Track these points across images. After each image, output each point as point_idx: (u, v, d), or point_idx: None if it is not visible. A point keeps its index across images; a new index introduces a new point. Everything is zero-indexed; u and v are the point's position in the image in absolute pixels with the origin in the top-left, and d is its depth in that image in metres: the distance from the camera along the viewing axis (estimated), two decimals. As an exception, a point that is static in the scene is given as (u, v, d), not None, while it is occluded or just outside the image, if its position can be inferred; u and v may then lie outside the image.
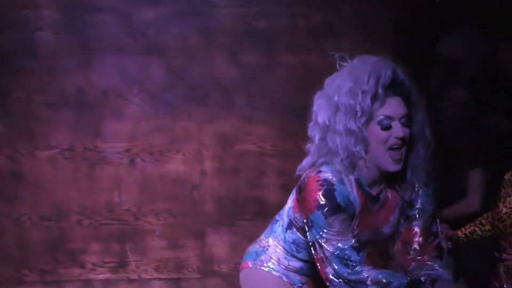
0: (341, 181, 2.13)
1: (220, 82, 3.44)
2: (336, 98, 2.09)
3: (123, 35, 3.40)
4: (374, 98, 2.07)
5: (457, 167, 3.47)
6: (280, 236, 2.38)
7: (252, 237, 2.97)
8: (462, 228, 3.00)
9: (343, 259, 2.19)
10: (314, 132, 2.18)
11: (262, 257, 2.43)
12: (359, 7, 3.42)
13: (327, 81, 2.19)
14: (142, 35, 3.40)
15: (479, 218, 2.98)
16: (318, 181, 2.13)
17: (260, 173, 3.51)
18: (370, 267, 2.19)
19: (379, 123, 2.10)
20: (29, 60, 3.35)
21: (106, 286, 3.51)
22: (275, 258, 2.42)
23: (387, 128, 2.10)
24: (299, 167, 2.20)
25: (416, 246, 2.32)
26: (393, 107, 2.11)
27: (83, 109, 3.35)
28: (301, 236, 2.30)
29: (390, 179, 2.20)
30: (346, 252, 2.19)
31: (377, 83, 2.06)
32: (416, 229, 2.31)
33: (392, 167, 2.12)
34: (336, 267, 2.19)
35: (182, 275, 3.52)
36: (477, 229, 2.98)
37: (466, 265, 3.20)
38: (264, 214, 3.46)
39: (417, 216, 2.29)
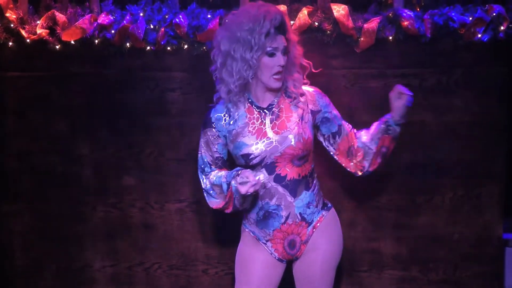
0: (226, 101, 2.84)
1: (337, 139, 3.58)
2: (238, 33, 2.71)
3: None
4: (267, 35, 2.72)
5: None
6: None
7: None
8: None
9: (201, 168, 2.95)
10: (217, 57, 2.81)
11: (245, 215, 2.97)
12: (471, 67, 3.52)
13: (229, 18, 2.84)
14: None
15: None
16: None
17: (376, 227, 3.64)
18: (212, 175, 2.90)
19: (267, 53, 2.75)
20: (161, 118, 3.56)
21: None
22: (246, 215, 2.96)
23: (272, 55, 2.76)
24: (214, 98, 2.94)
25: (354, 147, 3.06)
26: (278, 41, 2.76)
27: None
28: None
29: (281, 92, 2.86)
30: (204, 162, 2.92)
31: (270, 24, 2.71)
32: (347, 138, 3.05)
33: (275, 84, 2.82)
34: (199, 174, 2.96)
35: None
36: None
37: None
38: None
39: (337, 130, 3.02)
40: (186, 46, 3.48)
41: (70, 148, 3.64)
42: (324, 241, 2.95)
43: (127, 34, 3.46)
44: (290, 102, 2.89)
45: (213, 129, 2.89)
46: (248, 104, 2.85)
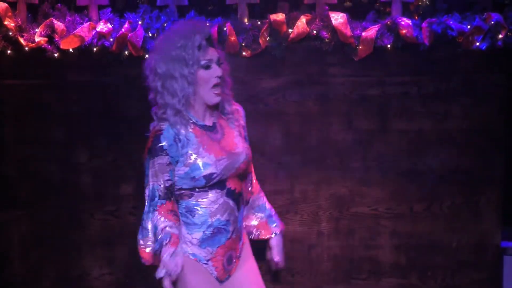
0: (173, 125, 2.70)
1: (336, 146, 3.59)
2: (173, 52, 2.67)
3: (246, 103, 3.52)
4: (199, 48, 2.68)
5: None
6: (180, 213, 2.78)
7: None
8: None
9: (151, 203, 2.74)
10: (155, 82, 2.73)
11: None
12: (469, 75, 3.53)
13: (158, 41, 2.81)
14: (263, 103, 3.59)
15: None
16: (151, 133, 2.74)
17: (374, 235, 3.64)
18: (162, 219, 2.69)
19: (203, 66, 2.69)
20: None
21: None
22: (183, 237, 2.79)
23: (207, 67, 2.70)
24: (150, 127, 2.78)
25: (253, 180, 3.00)
26: (211, 53, 2.71)
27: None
28: (187, 200, 2.75)
29: (217, 111, 2.81)
30: (155, 195, 2.72)
31: (201, 37, 2.68)
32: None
33: (215, 99, 2.74)
34: (145, 205, 2.75)
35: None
36: None
37: None
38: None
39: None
40: (184, 54, 3.48)
41: (68, 155, 3.64)
42: (250, 254, 2.96)
43: (126, 42, 3.47)
44: (227, 120, 2.87)
45: (165, 157, 2.71)
46: (193, 125, 2.76)
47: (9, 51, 3.53)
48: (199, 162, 2.70)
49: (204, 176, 2.70)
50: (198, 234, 2.77)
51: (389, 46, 3.46)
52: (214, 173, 2.71)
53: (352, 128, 3.58)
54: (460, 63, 3.51)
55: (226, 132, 2.82)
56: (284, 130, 3.60)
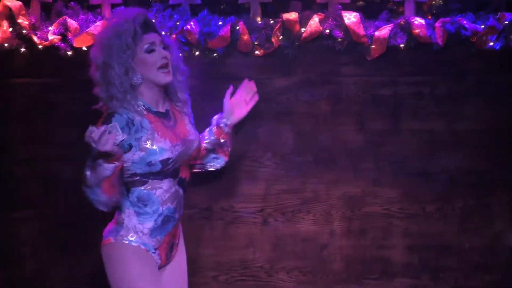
0: (125, 112, 2.70)
1: (347, 146, 3.58)
2: (108, 42, 2.71)
3: (258, 102, 3.50)
4: (134, 35, 2.70)
5: None
6: (127, 204, 2.81)
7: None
8: None
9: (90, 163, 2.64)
10: (97, 73, 2.75)
11: (122, 232, 2.84)
12: (483, 75, 3.52)
13: (97, 36, 2.88)
14: (275, 102, 3.57)
15: None
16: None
17: (386, 235, 3.62)
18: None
19: (145, 50, 2.73)
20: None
21: None
22: (132, 229, 2.83)
23: (151, 51, 2.74)
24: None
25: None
26: (151, 37, 2.76)
27: (220, 172, 3.46)
28: (139, 187, 2.77)
29: (168, 99, 2.88)
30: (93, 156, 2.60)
31: (133, 23, 2.71)
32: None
33: (164, 78, 2.77)
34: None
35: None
36: None
37: None
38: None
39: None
40: (197, 53, 3.49)
41: (79, 155, 3.61)
42: (183, 242, 3.07)
43: (138, 41, 3.46)
44: (177, 108, 2.94)
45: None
46: (146, 111, 2.79)
47: (22, 49, 3.54)
48: (155, 147, 2.74)
49: (161, 161, 2.75)
50: (149, 224, 2.82)
51: (402, 45, 3.46)
52: (170, 158, 2.77)
53: (364, 128, 3.57)
54: (473, 63, 3.50)
55: (178, 119, 2.90)
56: (296, 129, 3.58)
